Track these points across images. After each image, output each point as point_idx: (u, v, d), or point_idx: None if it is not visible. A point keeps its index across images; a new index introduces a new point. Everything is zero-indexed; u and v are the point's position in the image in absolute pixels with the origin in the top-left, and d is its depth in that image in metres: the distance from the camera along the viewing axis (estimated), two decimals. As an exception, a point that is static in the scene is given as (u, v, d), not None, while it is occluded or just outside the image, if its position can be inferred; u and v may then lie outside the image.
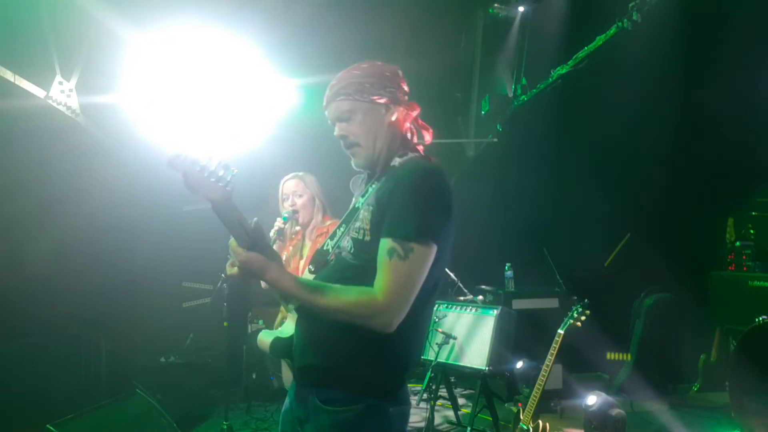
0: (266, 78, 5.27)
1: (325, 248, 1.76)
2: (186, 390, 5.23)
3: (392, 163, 1.68)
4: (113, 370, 4.79)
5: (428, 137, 1.78)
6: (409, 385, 5.51)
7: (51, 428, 3.19)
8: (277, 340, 1.79)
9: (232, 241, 1.54)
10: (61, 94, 4.18)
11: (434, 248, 1.51)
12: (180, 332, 5.90)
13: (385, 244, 1.50)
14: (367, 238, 1.58)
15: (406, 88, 1.72)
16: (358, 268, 1.58)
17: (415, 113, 1.73)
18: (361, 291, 1.50)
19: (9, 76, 3.73)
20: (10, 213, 3.95)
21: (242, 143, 5.32)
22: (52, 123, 4.23)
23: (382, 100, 1.66)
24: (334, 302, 1.50)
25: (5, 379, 3.70)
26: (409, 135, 1.73)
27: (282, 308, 2.86)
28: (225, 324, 4.73)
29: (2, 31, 3.73)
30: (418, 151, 1.72)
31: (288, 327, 1.81)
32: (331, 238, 1.77)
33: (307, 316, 1.64)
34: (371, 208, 1.59)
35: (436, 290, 1.64)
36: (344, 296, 1.50)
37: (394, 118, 1.67)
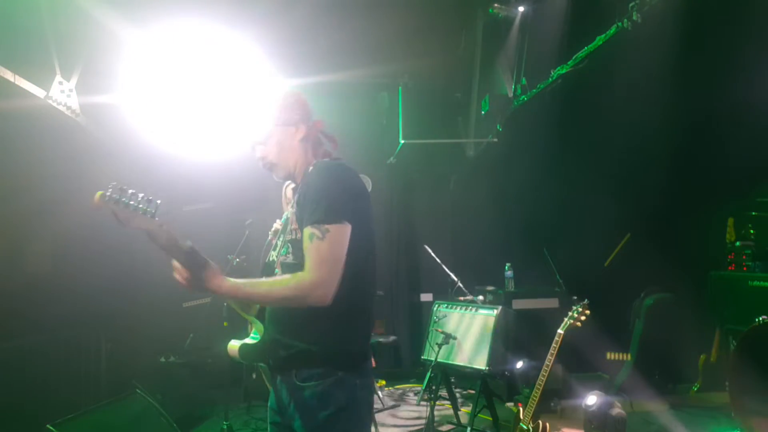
0: (266, 78, 5.27)
1: (270, 260, 1.99)
2: (186, 390, 5.23)
3: (308, 171, 1.95)
4: (113, 370, 4.78)
5: (334, 145, 2.05)
6: (408, 385, 5.53)
7: (51, 428, 3.19)
8: (245, 346, 1.95)
9: (175, 263, 1.73)
10: (61, 94, 4.18)
11: (348, 226, 1.74)
12: (180, 332, 5.89)
13: (306, 232, 1.74)
14: (298, 236, 1.81)
15: (309, 108, 2.03)
16: (298, 266, 1.76)
17: (319, 127, 2.02)
18: (291, 276, 1.73)
19: (9, 76, 3.73)
20: (10, 213, 3.94)
21: (244, 143, 5.32)
22: (52, 123, 4.23)
23: (291, 122, 1.97)
24: (270, 292, 1.73)
25: (5, 379, 3.69)
26: (318, 145, 2.02)
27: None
28: (225, 324, 4.73)
29: (2, 31, 3.72)
30: (328, 156, 2.01)
31: (254, 335, 1.94)
32: (274, 249, 2.01)
33: (273, 317, 1.88)
34: (295, 210, 1.89)
35: (368, 264, 1.85)
36: (278, 284, 1.74)
37: (302, 135, 1.97)
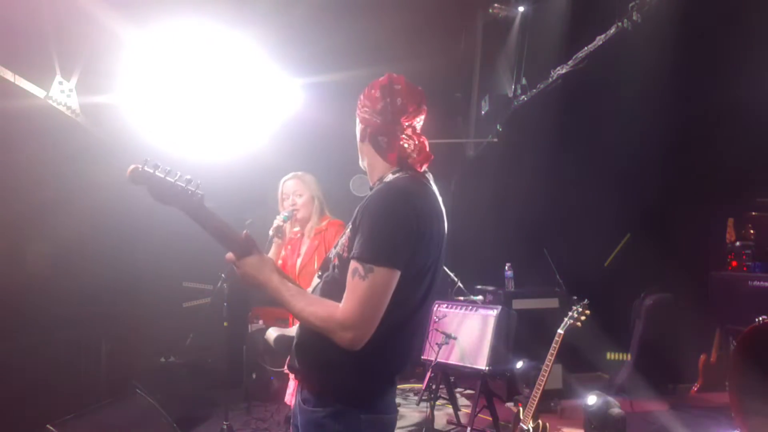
0: (267, 78, 5.27)
1: (330, 256, 1.82)
2: (186, 390, 5.22)
3: (385, 179, 1.74)
4: (113, 370, 4.78)
5: (422, 152, 1.77)
6: (408, 385, 5.51)
7: (51, 428, 3.19)
8: (281, 337, 1.88)
9: (229, 254, 1.64)
10: (61, 94, 4.18)
11: (395, 272, 1.55)
12: (180, 332, 5.89)
13: (351, 265, 1.57)
14: (345, 254, 1.64)
15: (399, 100, 1.73)
16: (338, 282, 1.63)
17: (408, 131, 1.74)
18: (328, 305, 1.58)
19: (9, 76, 3.73)
20: (11, 213, 3.94)
21: (243, 142, 5.32)
22: (52, 123, 4.23)
23: (370, 124, 1.75)
24: (303, 312, 1.60)
25: (5, 379, 3.69)
26: (401, 151, 1.73)
27: None
28: (225, 324, 4.73)
29: (2, 31, 3.72)
30: (412, 168, 1.74)
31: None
32: (335, 246, 1.82)
33: (300, 324, 1.75)
34: (350, 226, 1.67)
35: (419, 308, 1.68)
36: (313, 307, 1.59)
37: (375, 140, 1.75)
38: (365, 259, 1.54)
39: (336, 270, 1.69)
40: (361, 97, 1.78)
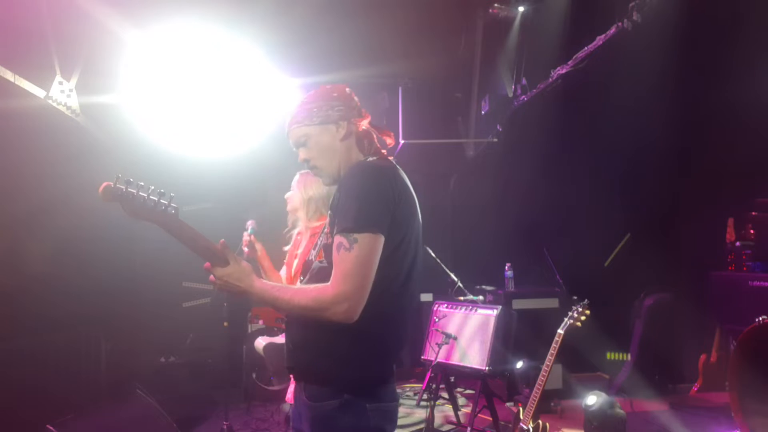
0: (267, 78, 5.27)
1: (310, 258, 1.86)
2: (186, 390, 5.22)
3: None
4: (113, 370, 4.78)
5: (389, 140, 1.89)
6: (409, 385, 5.51)
7: (51, 428, 3.19)
8: (271, 345, 1.90)
9: (207, 264, 1.65)
10: (61, 94, 4.18)
11: (380, 237, 1.59)
12: (180, 332, 5.89)
13: (335, 240, 1.61)
14: (329, 240, 1.69)
15: (355, 101, 1.86)
16: (328, 270, 1.66)
17: (365, 121, 1.84)
18: (315, 287, 1.62)
19: (9, 76, 3.73)
20: (11, 212, 3.94)
21: (243, 142, 5.32)
22: (52, 123, 4.23)
23: (331, 120, 1.79)
24: (293, 300, 1.62)
25: (5, 378, 3.69)
26: (366, 143, 1.83)
27: None
28: (225, 324, 4.73)
29: (2, 31, 3.72)
30: (379, 154, 1.82)
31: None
32: (314, 247, 1.88)
33: (292, 321, 1.77)
34: (330, 212, 1.75)
35: (407, 283, 1.70)
36: (302, 293, 1.62)
37: (344, 132, 1.79)
38: (348, 229, 1.58)
39: (324, 261, 1.72)
40: (320, 102, 1.79)
